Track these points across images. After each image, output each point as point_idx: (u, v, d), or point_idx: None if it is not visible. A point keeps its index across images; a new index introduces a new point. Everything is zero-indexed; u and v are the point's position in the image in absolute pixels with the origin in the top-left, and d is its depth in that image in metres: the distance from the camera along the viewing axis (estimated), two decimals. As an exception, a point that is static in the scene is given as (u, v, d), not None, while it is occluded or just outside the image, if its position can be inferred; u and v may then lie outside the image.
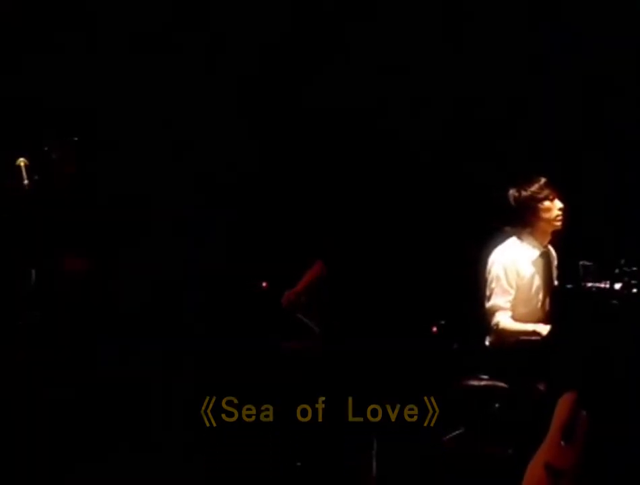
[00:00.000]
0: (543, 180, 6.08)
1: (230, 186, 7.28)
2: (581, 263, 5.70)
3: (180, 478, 5.97)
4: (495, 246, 6.21)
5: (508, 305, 6.02)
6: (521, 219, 6.12)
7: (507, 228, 6.18)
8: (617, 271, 5.60)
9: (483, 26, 7.16)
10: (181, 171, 7.44)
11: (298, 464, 6.14)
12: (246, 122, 7.49)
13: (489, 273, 6.10)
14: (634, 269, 5.61)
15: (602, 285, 5.66)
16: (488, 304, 6.04)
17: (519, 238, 6.13)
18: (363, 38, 7.33)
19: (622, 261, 5.60)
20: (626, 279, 5.58)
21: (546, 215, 6.08)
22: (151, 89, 7.38)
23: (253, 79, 7.45)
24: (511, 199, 6.10)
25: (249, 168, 7.33)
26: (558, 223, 6.10)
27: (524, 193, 6.06)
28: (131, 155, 7.37)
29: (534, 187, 6.06)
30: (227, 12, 7.45)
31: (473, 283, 6.23)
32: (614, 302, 5.58)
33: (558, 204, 6.06)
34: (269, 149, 7.42)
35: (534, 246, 6.13)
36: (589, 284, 5.67)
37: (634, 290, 5.60)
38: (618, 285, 5.58)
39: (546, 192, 6.05)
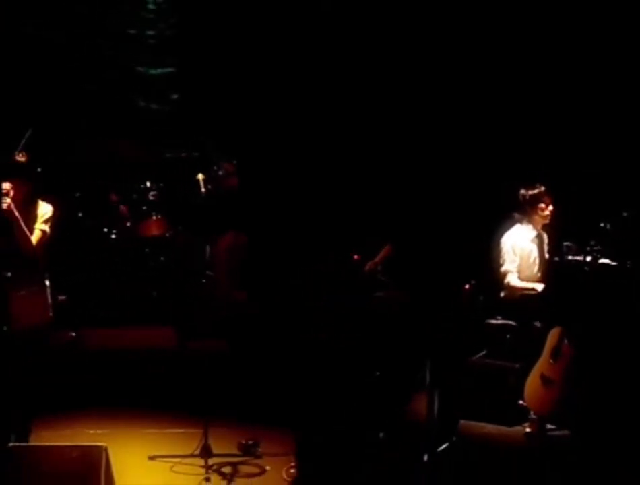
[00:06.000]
0: (544, 187, 7.07)
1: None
2: (564, 243, 6.82)
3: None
4: (505, 229, 7.19)
5: (515, 269, 7.10)
6: (523, 210, 7.17)
7: (515, 214, 7.18)
8: (588, 248, 6.72)
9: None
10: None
11: (377, 373, 6.90)
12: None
13: (502, 248, 7.15)
14: (600, 247, 6.74)
15: (579, 258, 6.74)
16: (501, 269, 7.16)
17: (521, 223, 7.13)
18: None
19: (592, 242, 6.74)
20: (594, 254, 6.73)
21: (540, 212, 7.15)
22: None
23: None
24: (520, 195, 7.14)
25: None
26: (547, 220, 7.15)
27: (530, 193, 7.10)
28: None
29: (537, 191, 7.10)
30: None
31: (494, 256, 7.23)
32: (586, 269, 6.69)
33: (550, 207, 7.12)
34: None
35: (531, 229, 7.16)
36: (570, 257, 6.77)
37: (600, 262, 6.74)
38: (589, 258, 6.69)
39: (544, 197, 7.11)
